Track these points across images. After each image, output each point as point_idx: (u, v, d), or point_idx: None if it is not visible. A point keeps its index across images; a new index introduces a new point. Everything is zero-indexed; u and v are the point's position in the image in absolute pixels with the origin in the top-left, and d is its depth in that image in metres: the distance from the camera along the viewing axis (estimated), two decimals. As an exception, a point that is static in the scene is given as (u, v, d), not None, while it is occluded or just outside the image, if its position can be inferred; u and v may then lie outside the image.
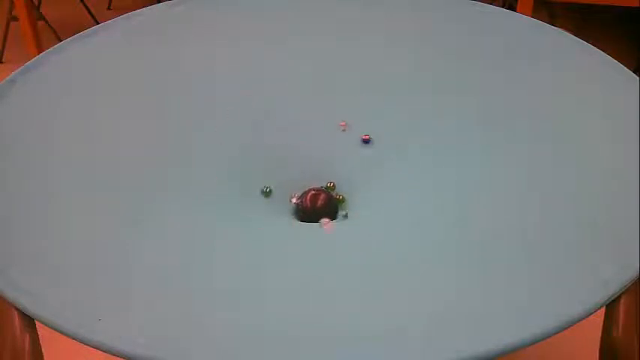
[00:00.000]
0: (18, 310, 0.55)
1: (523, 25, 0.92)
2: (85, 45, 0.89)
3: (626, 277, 0.55)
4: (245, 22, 0.96)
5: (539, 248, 0.60)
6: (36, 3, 2.19)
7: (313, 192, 0.77)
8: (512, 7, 1.61)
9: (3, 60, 2.18)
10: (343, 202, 0.78)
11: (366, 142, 0.71)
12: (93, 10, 2.36)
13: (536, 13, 1.60)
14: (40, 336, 0.57)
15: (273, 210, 0.77)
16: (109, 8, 2.57)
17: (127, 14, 0.96)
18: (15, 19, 1.99)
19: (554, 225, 0.63)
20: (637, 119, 0.73)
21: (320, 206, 0.76)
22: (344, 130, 0.71)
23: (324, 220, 0.70)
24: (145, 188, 0.71)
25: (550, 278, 0.56)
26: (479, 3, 0.97)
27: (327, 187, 0.78)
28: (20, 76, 0.82)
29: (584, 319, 0.52)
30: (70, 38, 0.90)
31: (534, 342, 0.50)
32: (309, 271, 0.61)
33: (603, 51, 0.84)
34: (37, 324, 0.56)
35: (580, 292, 0.54)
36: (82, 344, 0.51)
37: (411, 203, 0.72)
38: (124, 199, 0.69)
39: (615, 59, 0.83)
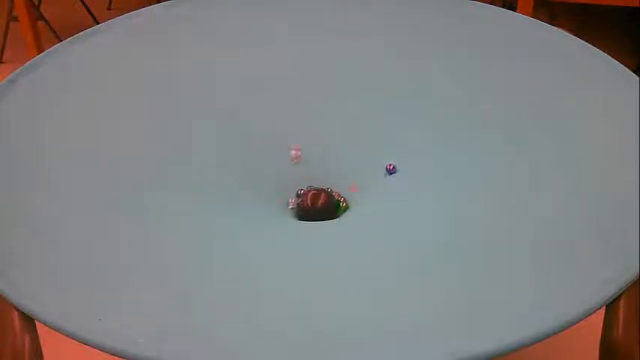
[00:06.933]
0: (18, 310, 0.55)
1: (523, 25, 0.92)
2: (85, 45, 0.89)
3: (626, 277, 0.55)
4: (245, 22, 0.96)
5: (539, 248, 0.60)
6: (36, 3, 2.19)
7: (313, 192, 0.77)
8: (512, 7, 1.61)
9: (3, 60, 2.18)
10: (347, 208, 0.78)
11: (391, 172, 0.71)
12: (93, 10, 2.36)
13: (536, 13, 1.60)
14: (40, 336, 0.57)
15: (273, 209, 0.77)
16: (109, 8, 2.57)
17: (127, 14, 0.96)
18: (15, 19, 1.99)
19: (554, 225, 0.63)
20: (637, 119, 0.73)
21: (320, 206, 0.76)
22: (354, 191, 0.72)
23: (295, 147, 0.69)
24: (145, 188, 0.71)
25: (550, 278, 0.56)
26: (479, 3, 0.97)
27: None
28: (20, 76, 0.82)
29: (584, 319, 0.52)
30: (70, 38, 0.90)
31: (534, 342, 0.50)
32: (309, 271, 0.61)
33: (603, 51, 0.84)
34: (37, 324, 0.56)
35: (580, 292, 0.54)
36: (82, 344, 0.51)
37: (410, 203, 0.72)
38: (124, 199, 0.69)
39: (615, 59, 0.82)
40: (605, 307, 0.55)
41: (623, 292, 0.55)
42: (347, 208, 0.77)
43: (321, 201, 0.76)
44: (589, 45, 0.86)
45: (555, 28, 0.90)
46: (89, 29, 0.92)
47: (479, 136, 0.77)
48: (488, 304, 0.54)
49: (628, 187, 0.65)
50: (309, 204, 0.76)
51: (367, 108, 0.84)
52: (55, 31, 2.12)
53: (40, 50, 1.90)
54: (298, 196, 0.78)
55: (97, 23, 1.23)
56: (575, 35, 0.88)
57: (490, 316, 0.53)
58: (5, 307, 0.56)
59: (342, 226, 0.72)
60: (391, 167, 0.69)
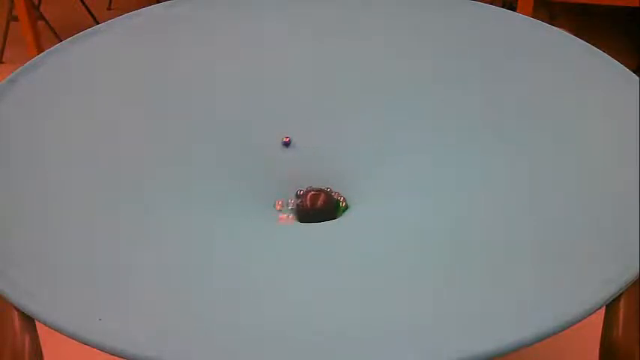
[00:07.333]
0: (18, 310, 0.55)
1: (523, 25, 0.92)
2: (85, 45, 0.89)
3: (626, 277, 0.55)
4: (245, 22, 0.96)
5: (539, 248, 0.60)
6: (36, 3, 2.19)
7: (313, 192, 0.77)
8: (512, 7, 1.61)
9: (3, 60, 2.18)
10: (346, 208, 0.78)
11: (287, 144, 0.71)
12: (93, 10, 2.36)
13: (536, 13, 1.60)
14: (40, 336, 0.57)
15: (273, 210, 0.77)
16: (109, 8, 2.56)
17: (127, 14, 0.96)
18: (15, 19, 1.99)
19: (554, 225, 0.63)
20: (637, 119, 0.73)
21: (320, 206, 0.76)
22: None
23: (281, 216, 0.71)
24: (145, 188, 0.71)
25: (550, 278, 0.56)
26: (479, 3, 0.97)
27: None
28: (20, 76, 0.82)
29: (584, 319, 0.52)
30: (70, 38, 0.90)
31: (534, 342, 0.50)
32: (309, 271, 0.61)
33: (603, 51, 0.84)
34: (37, 324, 0.56)
35: (580, 292, 0.54)
36: (82, 344, 0.51)
37: (410, 203, 0.72)
38: (123, 198, 0.69)
39: (615, 59, 0.82)
40: (605, 307, 0.55)
41: (623, 292, 0.55)
42: (347, 208, 0.77)
43: (320, 201, 0.76)
44: (589, 45, 0.86)
45: (555, 28, 0.90)
46: (89, 29, 0.92)
47: (479, 136, 0.77)
48: (488, 304, 0.54)
49: (628, 187, 0.65)
50: (309, 205, 0.76)
51: (367, 108, 0.84)
52: (55, 31, 2.12)
53: (40, 50, 1.90)
54: (298, 196, 0.78)
55: (97, 23, 1.23)
56: (575, 35, 0.88)
57: (490, 316, 0.53)
58: (5, 307, 0.56)
59: (341, 226, 0.72)
60: (287, 140, 0.70)
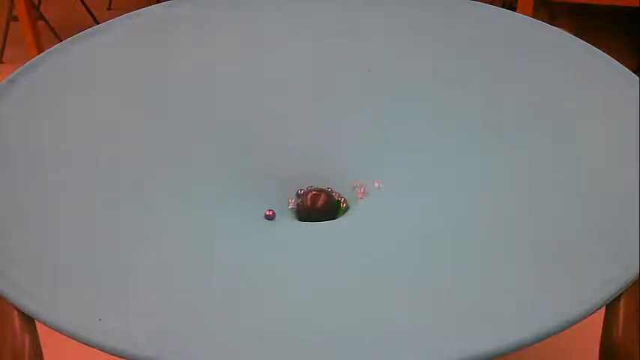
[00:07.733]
0: (18, 310, 0.55)
1: (523, 25, 0.92)
2: (85, 45, 0.89)
3: (626, 277, 0.55)
4: (245, 22, 0.96)
5: (539, 248, 0.60)
6: (36, 3, 2.19)
7: (313, 192, 0.77)
8: (512, 7, 1.61)
9: (3, 60, 2.18)
10: (347, 209, 0.77)
11: (270, 218, 0.71)
12: (93, 10, 2.36)
13: (536, 13, 1.60)
14: (40, 336, 0.57)
15: (273, 210, 0.77)
16: (109, 8, 2.56)
17: (127, 14, 0.96)
18: (15, 19, 1.99)
19: (554, 225, 0.63)
20: (637, 119, 0.73)
21: (320, 206, 0.76)
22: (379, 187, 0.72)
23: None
24: (145, 188, 0.71)
25: (550, 278, 0.56)
26: (479, 3, 0.97)
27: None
28: (20, 76, 0.82)
29: (584, 319, 0.52)
30: (70, 38, 0.90)
31: (534, 342, 0.50)
32: (309, 271, 0.61)
33: (603, 51, 0.84)
34: (37, 324, 0.56)
35: (580, 292, 0.54)
36: (82, 344, 0.51)
37: (411, 203, 0.72)
38: (123, 198, 0.69)
39: (615, 59, 0.82)
40: (605, 307, 0.55)
41: (623, 292, 0.55)
42: (347, 208, 0.77)
43: (321, 201, 0.76)
44: (589, 45, 0.86)
45: (555, 28, 0.90)
46: (89, 29, 0.92)
47: (479, 136, 0.77)
48: (488, 304, 0.54)
49: (628, 187, 0.65)
50: (309, 204, 0.76)
51: (367, 108, 0.84)
52: (55, 31, 2.12)
53: (40, 50, 1.90)
54: (298, 196, 0.78)
55: (97, 23, 1.23)
56: (575, 35, 0.88)
57: (490, 316, 0.53)
58: (5, 307, 0.56)
59: (342, 226, 0.72)
60: (271, 213, 0.72)
